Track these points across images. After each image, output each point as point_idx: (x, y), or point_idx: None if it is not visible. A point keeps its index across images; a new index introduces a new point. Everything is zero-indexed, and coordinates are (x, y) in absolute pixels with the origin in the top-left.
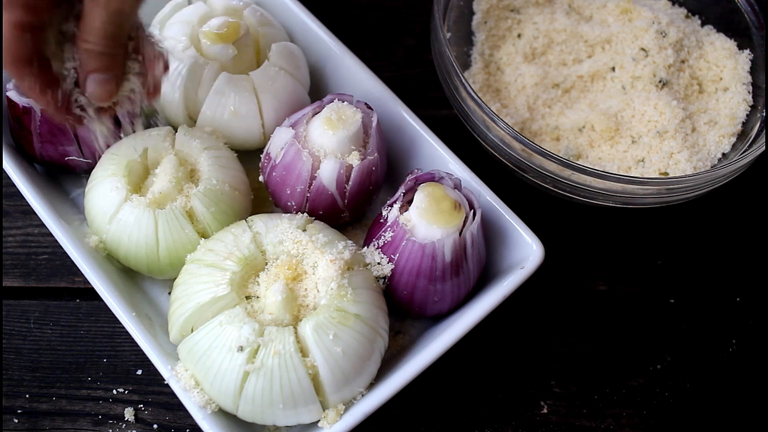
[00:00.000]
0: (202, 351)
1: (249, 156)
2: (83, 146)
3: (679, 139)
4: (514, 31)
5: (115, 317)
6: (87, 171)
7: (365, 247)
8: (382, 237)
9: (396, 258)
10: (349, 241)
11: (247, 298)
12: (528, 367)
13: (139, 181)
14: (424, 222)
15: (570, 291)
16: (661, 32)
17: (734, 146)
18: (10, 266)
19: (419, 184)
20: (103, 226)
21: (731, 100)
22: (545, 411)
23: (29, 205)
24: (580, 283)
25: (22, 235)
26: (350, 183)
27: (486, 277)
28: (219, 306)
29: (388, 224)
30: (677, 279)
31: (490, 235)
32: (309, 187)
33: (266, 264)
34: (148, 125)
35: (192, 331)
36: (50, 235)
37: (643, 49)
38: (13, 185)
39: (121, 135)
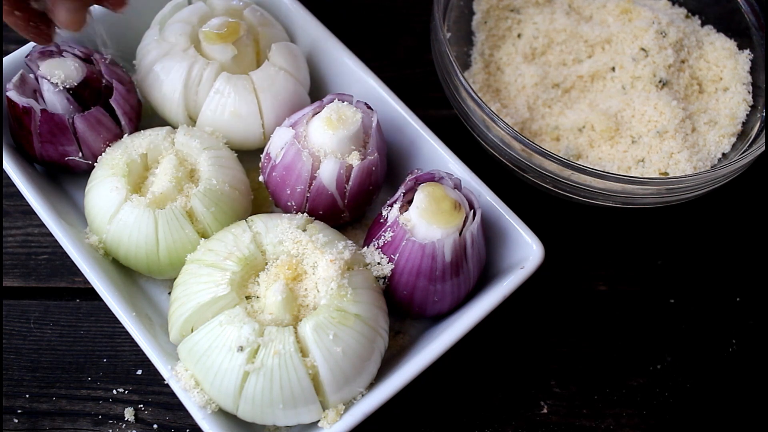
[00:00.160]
0: (202, 351)
1: (249, 156)
2: (83, 146)
3: (679, 139)
4: (514, 31)
5: (115, 317)
6: (87, 171)
7: (365, 247)
8: (382, 237)
9: (396, 258)
10: (349, 241)
11: (247, 298)
12: (528, 367)
13: (139, 181)
14: (424, 222)
15: (570, 291)
16: (661, 32)
17: (734, 146)
18: (10, 266)
19: (419, 184)
20: (103, 226)
21: (731, 100)
22: (545, 411)
23: (29, 205)
24: (580, 283)
25: (22, 235)
26: (350, 183)
27: (486, 277)
28: (219, 306)
29: (388, 224)
30: (677, 279)
31: (490, 235)
32: (309, 187)
33: (266, 264)
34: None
35: (192, 331)
36: (50, 235)
37: (643, 49)
38: (13, 185)
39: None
